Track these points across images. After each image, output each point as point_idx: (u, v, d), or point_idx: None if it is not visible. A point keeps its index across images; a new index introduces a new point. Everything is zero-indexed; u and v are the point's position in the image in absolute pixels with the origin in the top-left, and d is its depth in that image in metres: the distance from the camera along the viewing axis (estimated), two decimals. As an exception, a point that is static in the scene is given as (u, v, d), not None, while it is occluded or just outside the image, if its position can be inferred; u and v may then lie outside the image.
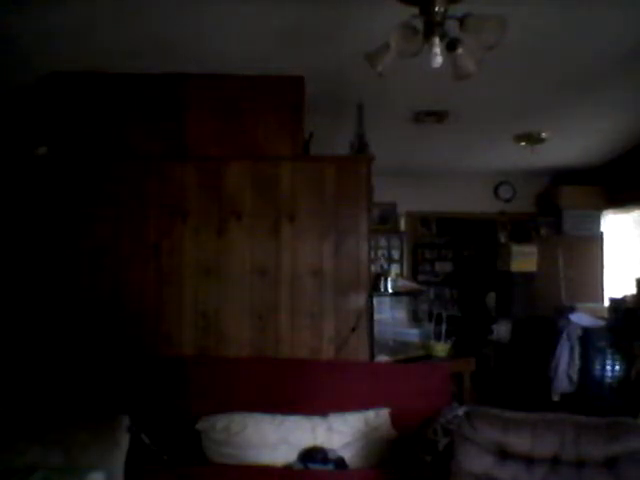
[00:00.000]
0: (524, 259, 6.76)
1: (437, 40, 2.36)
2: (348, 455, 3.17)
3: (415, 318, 5.09)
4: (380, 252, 7.57)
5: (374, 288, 4.21)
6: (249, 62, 3.75)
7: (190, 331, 3.76)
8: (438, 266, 8.26)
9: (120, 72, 3.84)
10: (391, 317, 4.83)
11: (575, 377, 5.20)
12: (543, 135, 5.56)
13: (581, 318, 5.51)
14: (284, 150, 3.88)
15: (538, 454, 2.43)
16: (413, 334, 4.86)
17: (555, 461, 2.42)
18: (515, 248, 6.84)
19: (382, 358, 4.17)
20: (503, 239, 7.29)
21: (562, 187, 7.01)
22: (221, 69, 3.82)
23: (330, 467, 3.07)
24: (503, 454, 2.48)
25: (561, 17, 3.22)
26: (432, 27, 2.36)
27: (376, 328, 4.05)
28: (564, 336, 5.28)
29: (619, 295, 5.92)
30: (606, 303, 6.20)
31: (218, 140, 3.89)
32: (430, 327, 4.93)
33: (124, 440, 2.79)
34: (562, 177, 7.18)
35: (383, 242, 7.72)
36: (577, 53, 3.74)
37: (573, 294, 6.57)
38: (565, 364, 5.22)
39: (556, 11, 3.14)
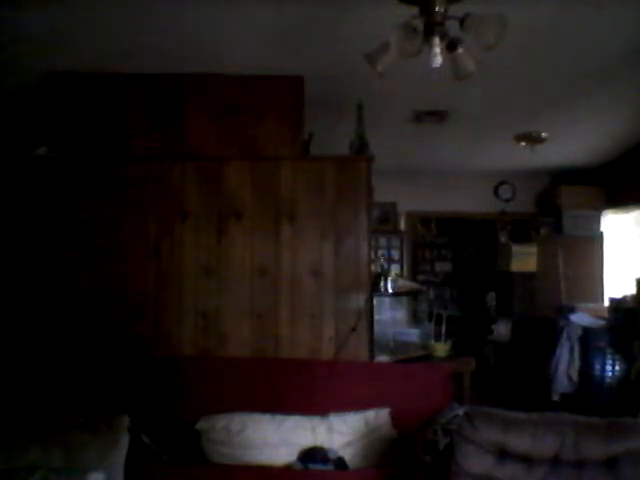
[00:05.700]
0: (524, 259, 6.77)
1: (437, 40, 2.37)
2: (348, 455, 3.16)
3: (415, 318, 5.09)
4: (380, 252, 7.56)
5: (374, 288, 4.20)
6: (249, 62, 3.75)
7: (190, 331, 3.75)
8: (438, 266, 8.27)
9: (120, 72, 3.84)
10: (391, 317, 4.82)
11: (575, 377, 5.20)
12: (543, 135, 5.56)
13: (581, 318, 5.52)
14: (284, 150, 3.88)
15: (538, 454, 2.43)
16: (413, 334, 4.85)
17: (555, 461, 2.42)
18: (515, 248, 6.85)
19: (382, 358, 4.17)
20: (503, 239, 7.29)
21: (562, 187, 7.02)
22: (221, 69, 3.83)
23: (330, 467, 3.06)
24: (503, 454, 2.47)
25: (561, 17, 3.23)
26: (432, 27, 2.37)
27: (376, 328, 4.04)
28: (564, 336, 5.28)
29: (619, 295, 5.92)
30: (606, 303, 6.20)
31: (218, 140, 3.89)
32: (430, 327, 4.93)
33: (124, 440, 2.77)
34: (562, 177, 7.18)
35: (383, 242, 7.72)
36: (577, 53, 3.74)
37: (573, 294, 6.58)
38: (565, 364, 5.22)
39: (556, 11, 3.15)
